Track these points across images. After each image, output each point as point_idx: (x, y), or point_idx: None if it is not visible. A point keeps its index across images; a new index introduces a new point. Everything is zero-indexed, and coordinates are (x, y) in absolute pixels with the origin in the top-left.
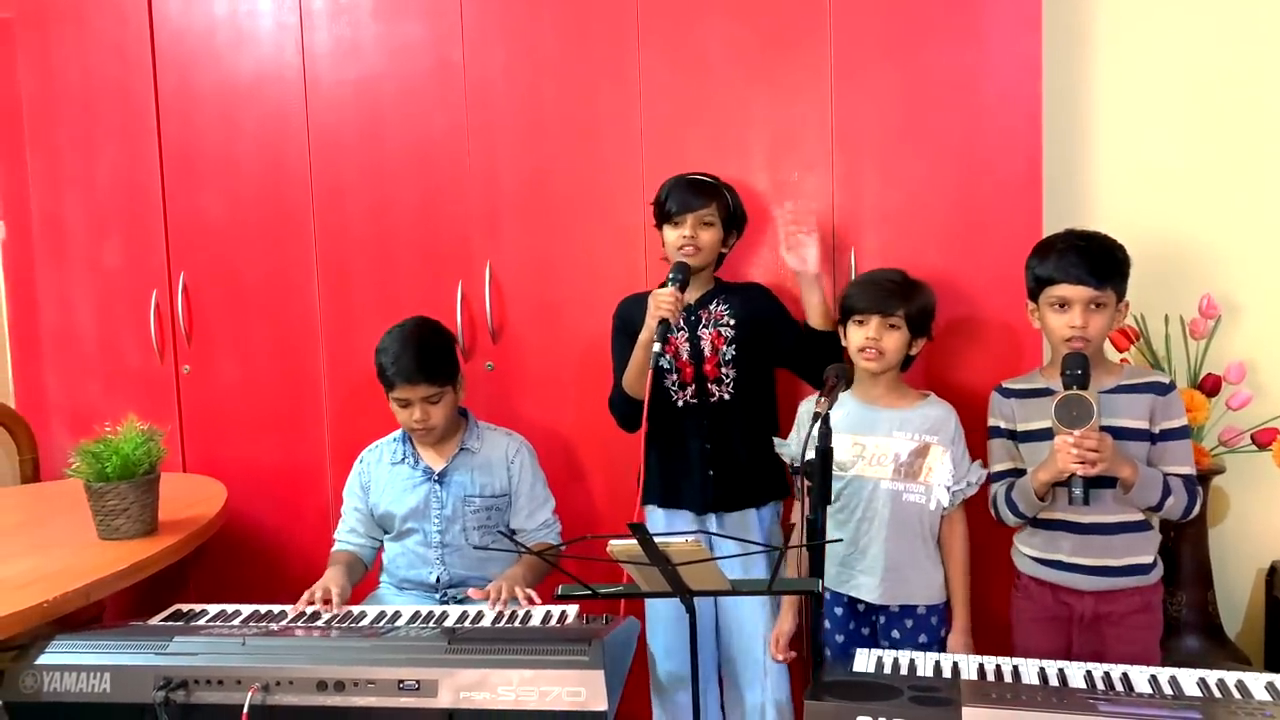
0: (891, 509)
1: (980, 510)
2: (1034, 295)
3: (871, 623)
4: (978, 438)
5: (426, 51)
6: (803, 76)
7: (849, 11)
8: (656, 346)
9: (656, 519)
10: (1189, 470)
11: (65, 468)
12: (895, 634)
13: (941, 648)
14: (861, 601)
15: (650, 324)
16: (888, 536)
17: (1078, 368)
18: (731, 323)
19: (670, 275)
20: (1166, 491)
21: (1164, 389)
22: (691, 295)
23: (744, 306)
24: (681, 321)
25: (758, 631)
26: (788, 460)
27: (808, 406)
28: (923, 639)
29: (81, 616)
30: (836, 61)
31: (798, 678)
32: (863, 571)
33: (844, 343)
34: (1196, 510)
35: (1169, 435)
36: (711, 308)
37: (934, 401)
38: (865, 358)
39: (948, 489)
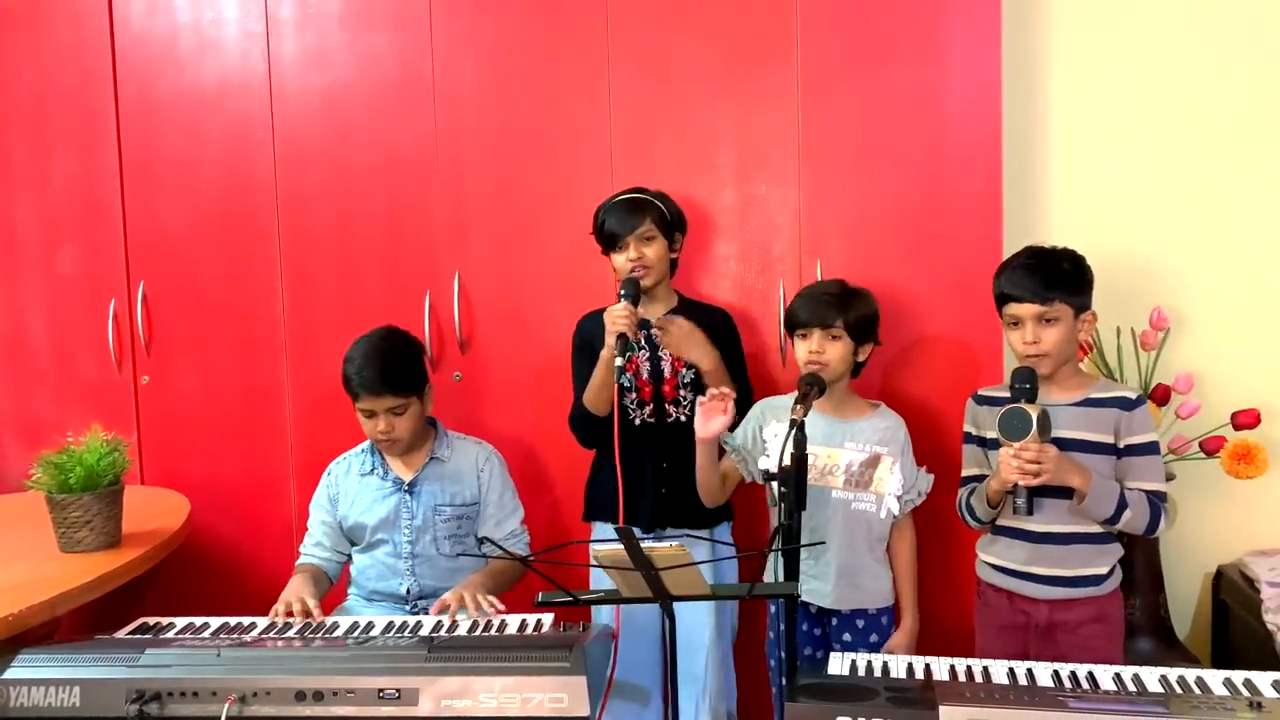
0: (843, 517)
1: (938, 520)
2: (1000, 313)
3: (823, 624)
4: (936, 447)
5: (395, 62)
6: (771, 92)
7: (816, 30)
8: (619, 361)
9: (605, 535)
10: (1158, 486)
11: (20, 480)
12: (847, 636)
13: None
14: (813, 605)
15: (609, 340)
16: (839, 544)
17: (1025, 381)
18: None
19: (621, 291)
20: (1123, 505)
21: (1130, 404)
22: (655, 310)
23: (705, 329)
24: (643, 340)
25: (699, 643)
26: (729, 450)
27: (762, 409)
28: (874, 638)
29: (38, 632)
30: (804, 78)
31: (746, 687)
32: (815, 577)
33: (793, 354)
34: (1163, 526)
35: (1135, 450)
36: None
37: (884, 413)
38: (809, 369)
39: (898, 498)
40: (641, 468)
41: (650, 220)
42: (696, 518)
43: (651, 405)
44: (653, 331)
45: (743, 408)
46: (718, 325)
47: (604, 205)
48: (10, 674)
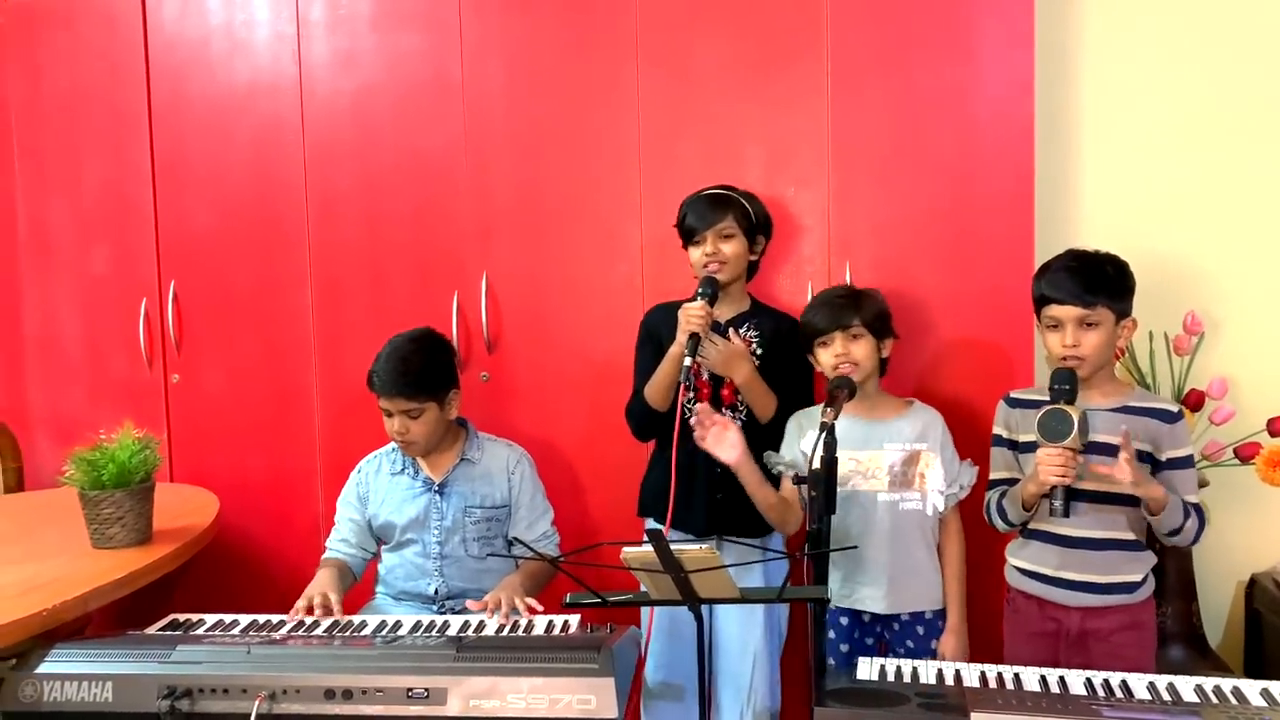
0: (890, 519)
1: (978, 521)
2: (1037, 315)
3: (878, 634)
4: (970, 448)
5: (424, 63)
6: (799, 92)
7: (845, 28)
8: (687, 361)
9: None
10: (1195, 498)
11: (54, 476)
12: (910, 643)
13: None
14: (867, 613)
15: (681, 338)
16: (889, 547)
17: (1064, 382)
18: (759, 350)
19: (699, 290)
20: (1186, 514)
21: (1172, 417)
22: (726, 312)
23: (773, 334)
24: (714, 337)
25: (747, 649)
26: (776, 471)
27: (796, 420)
28: (934, 645)
29: (70, 627)
30: (833, 77)
31: (791, 693)
32: (865, 584)
33: (818, 368)
34: (1202, 537)
35: (1176, 464)
36: (744, 330)
37: (919, 409)
38: (841, 373)
39: (941, 493)
40: (695, 470)
41: (732, 217)
42: (753, 525)
43: (710, 406)
44: (714, 340)
45: (789, 405)
46: (785, 333)
47: (688, 199)
48: (44, 668)
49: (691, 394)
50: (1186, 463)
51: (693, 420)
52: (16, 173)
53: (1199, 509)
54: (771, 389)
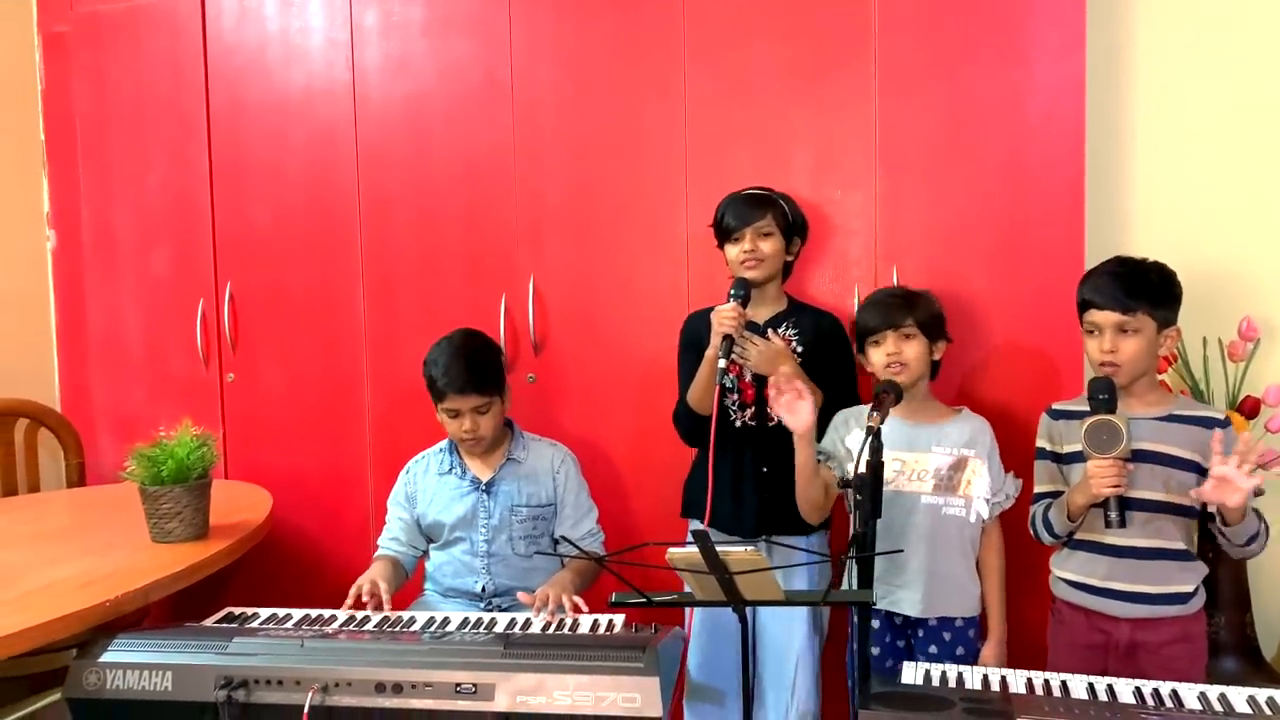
0: (931, 523)
1: (1017, 531)
2: (1081, 322)
3: (907, 636)
4: (1014, 456)
5: (475, 68)
6: (847, 95)
7: (894, 31)
8: (722, 363)
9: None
10: (1254, 505)
11: (115, 471)
12: (933, 648)
13: (976, 659)
14: (899, 615)
15: (714, 340)
16: (928, 550)
17: (1101, 392)
18: (800, 349)
19: (732, 291)
20: (1260, 520)
21: (1220, 424)
22: (763, 313)
23: (813, 332)
24: (753, 338)
25: (791, 650)
26: (823, 458)
27: (844, 418)
28: (960, 651)
29: (130, 618)
30: (881, 81)
31: (827, 693)
32: (902, 586)
33: (868, 368)
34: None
35: None
36: (782, 330)
37: (968, 416)
38: (891, 372)
39: (986, 501)
40: (741, 471)
41: (771, 217)
42: (800, 526)
43: (754, 408)
44: (754, 340)
45: (839, 402)
46: (825, 330)
47: (726, 199)
48: (107, 657)
49: (736, 395)
50: None
51: (770, 385)
52: (81, 177)
53: (1260, 515)
54: (822, 382)
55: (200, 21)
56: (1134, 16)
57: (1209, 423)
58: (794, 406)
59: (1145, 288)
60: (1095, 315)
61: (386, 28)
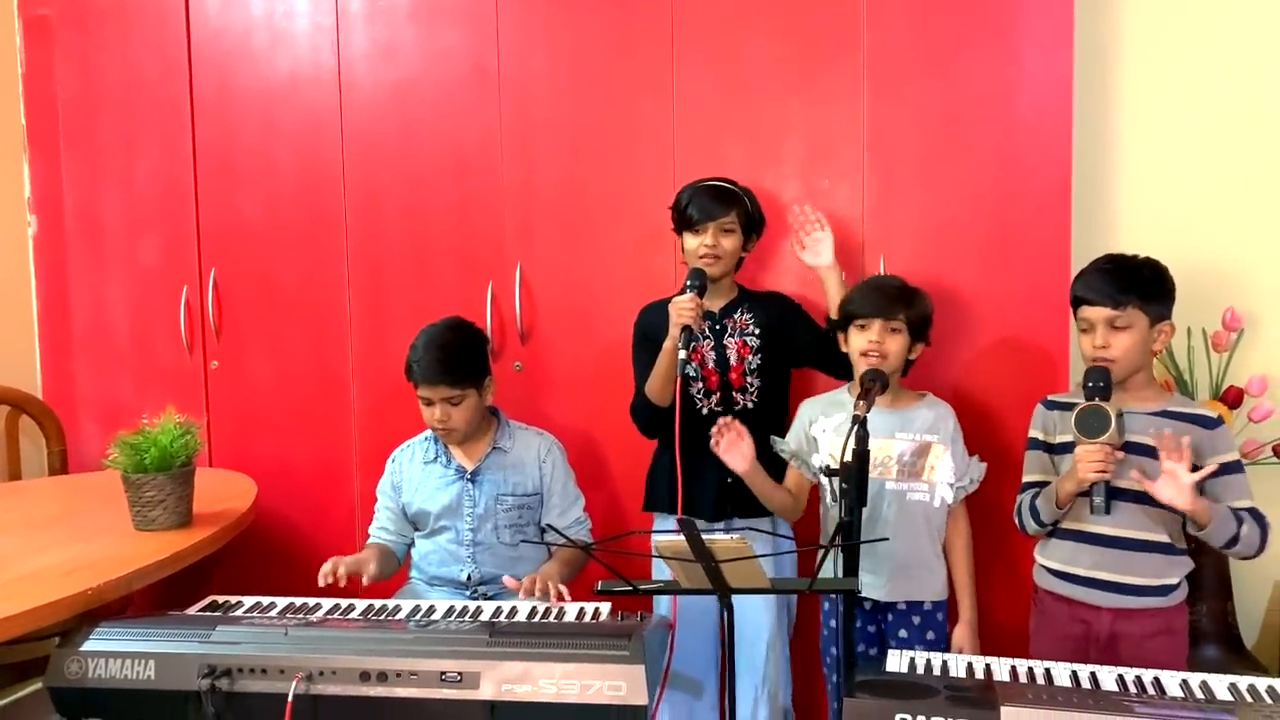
0: (897, 508)
1: (990, 519)
2: (1075, 319)
3: (877, 620)
4: (997, 449)
5: (463, 56)
6: (837, 87)
7: (884, 25)
8: (682, 354)
9: (665, 525)
10: (1249, 502)
11: (98, 459)
12: (902, 633)
13: (947, 644)
14: (868, 600)
15: (673, 332)
16: (894, 535)
17: (1098, 379)
18: (757, 331)
19: (687, 282)
20: (1239, 521)
21: (1212, 423)
22: (716, 303)
23: (767, 314)
24: (706, 330)
25: (760, 635)
26: (786, 457)
27: (809, 407)
28: (930, 635)
29: (113, 607)
30: (870, 74)
31: (796, 679)
32: (869, 570)
33: (844, 348)
34: (1268, 541)
35: (1225, 469)
36: (736, 316)
37: (931, 401)
38: (867, 361)
39: (950, 485)
40: (707, 456)
41: (735, 214)
42: (761, 507)
43: (719, 394)
44: (710, 326)
45: (831, 356)
46: (783, 308)
47: (691, 186)
48: (89, 645)
49: (700, 384)
50: (1234, 468)
51: (714, 428)
52: (63, 162)
53: (1256, 513)
54: (794, 359)
55: (184, 4)
56: (1121, 14)
57: (1203, 421)
58: (734, 446)
59: (1136, 283)
60: (1087, 311)
61: (372, 13)
